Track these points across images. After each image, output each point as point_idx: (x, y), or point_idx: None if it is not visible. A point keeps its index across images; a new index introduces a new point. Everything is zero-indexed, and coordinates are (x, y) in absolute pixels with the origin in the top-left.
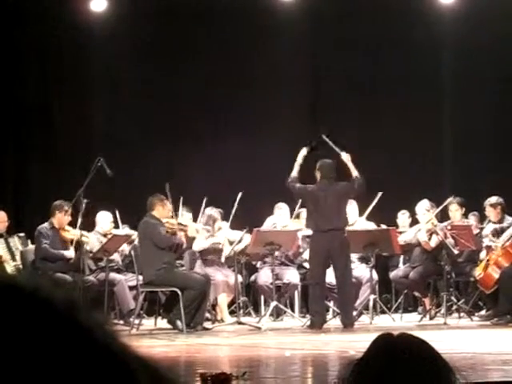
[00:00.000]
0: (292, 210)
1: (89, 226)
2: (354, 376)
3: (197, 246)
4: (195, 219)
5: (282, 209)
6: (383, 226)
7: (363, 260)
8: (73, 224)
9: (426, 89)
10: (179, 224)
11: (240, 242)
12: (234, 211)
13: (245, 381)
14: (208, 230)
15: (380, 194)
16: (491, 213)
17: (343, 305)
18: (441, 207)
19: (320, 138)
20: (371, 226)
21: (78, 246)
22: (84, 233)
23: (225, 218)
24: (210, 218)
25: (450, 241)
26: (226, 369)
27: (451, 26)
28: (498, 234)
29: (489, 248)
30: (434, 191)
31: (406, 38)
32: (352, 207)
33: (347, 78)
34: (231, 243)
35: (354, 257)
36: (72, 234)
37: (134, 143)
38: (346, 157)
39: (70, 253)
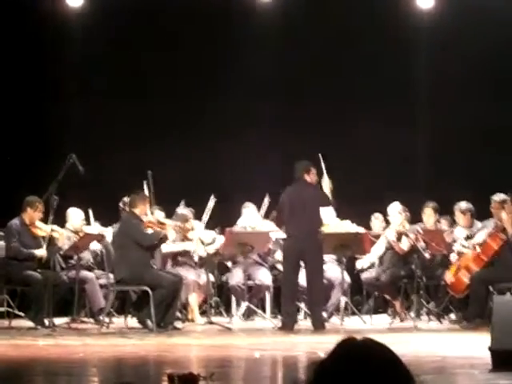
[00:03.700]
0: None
1: (60, 223)
2: (315, 378)
3: (165, 249)
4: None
5: (249, 207)
6: (357, 227)
7: (336, 262)
8: (44, 221)
9: (401, 91)
10: (158, 222)
11: (213, 243)
12: (209, 213)
13: (213, 382)
14: (180, 227)
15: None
16: (460, 218)
17: (314, 306)
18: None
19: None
20: (347, 224)
21: (50, 242)
22: (57, 228)
23: (199, 218)
24: (182, 218)
25: (421, 244)
26: (195, 369)
27: (428, 26)
28: (468, 238)
29: (460, 253)
30: (407, 194)
31: (382, 39)
32: (326, 208)
33: (320, 79)
34: (204, 243)
35: (326, 258)
36: (43, 230)
37: (107, 141)
38: (326, 182)
39: (41, 252)
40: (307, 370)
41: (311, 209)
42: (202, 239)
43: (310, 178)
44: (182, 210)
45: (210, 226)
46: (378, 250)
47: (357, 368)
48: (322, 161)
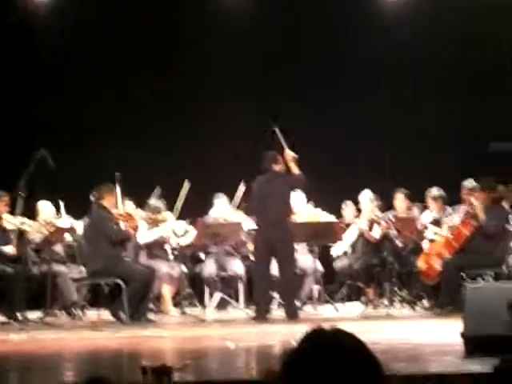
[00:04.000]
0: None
1: (31, 216)
2: (284, 367)
3: (141, 239)
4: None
5: (219, 198)
6: (328, 215)
7: (308, 250)
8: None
9: (370, 78)
10: (126, 214)
11: (184, 235)
12: (181, 204)
13: (186, 373)
14: (150, 218)
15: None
16: (432, 204)
17: (286, 296)
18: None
19: (272, 131)
20: (319, 212)
21: (20, 236)
22: (27, 221)
23: (172, 206)
24: (154, 210)
25: (393, 232)
26: (169, 360)
27: (395, 23)
28: (436, 223)
29: (431, 240)
30: (377, 181)
31: (355, 25)
32: (299, 196)
33: (293, 69)
34: (177, 235)
35: (299, 247)
36: (12, 223)
37: (79, 134)
38: (289, 156)
39: (10, 249)
40: (278, 360)
41: (280, 198)
42: (175, 231)
43: (278, 167)
44: (154, 201)
45: (182, 216)
46: (349, 237)
47: (324, 358)
48: (280, 135)
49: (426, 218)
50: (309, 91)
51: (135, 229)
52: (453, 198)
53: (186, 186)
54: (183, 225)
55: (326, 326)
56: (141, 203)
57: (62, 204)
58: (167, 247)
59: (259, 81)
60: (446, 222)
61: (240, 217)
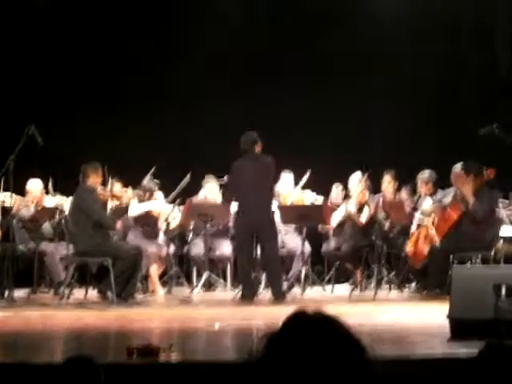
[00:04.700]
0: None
1: (21, 194)
2: (267, 350)
3: (132, 212)
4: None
5: (209, 182)
6: (317, 196)
7: (296, 232)
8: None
9: (359, 65)
10: (112, 193)
11: (170, 214)
12: (176, 193)
13: (172, 353)
14: (139, 195)
15: (309, 171)
16: (423, 187)
17: (272, 278)
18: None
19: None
20: (308, 194)
21: (4, 213)
22: (14, 196)
23: (162, 190)
24: (146, 190)
25: (381, 214)
26: (155, 340)
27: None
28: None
29: (419, 224)
30: (368, 163)
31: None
32: (287, 177)
33: (283, 55)
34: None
35: (286, 228)
36: None
37: (69, 111)
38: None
39: None
40: (259, 342)
41: (264, 181)
42: (163, 212)
43: (258, 149)
44: (147, 181)
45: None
46: (337, 216)
47: (307, 340)
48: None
49: (426, 204)
50: (297, 74)
51: (123, 205)
52: (444, 181)
53: (187, 178)
54: (173, 209)
55: (310, 308)
56: (132, 183)
57: (50, 182)
58: (160, 227)
59: (243, 67)
60: (436, 206)
61: None
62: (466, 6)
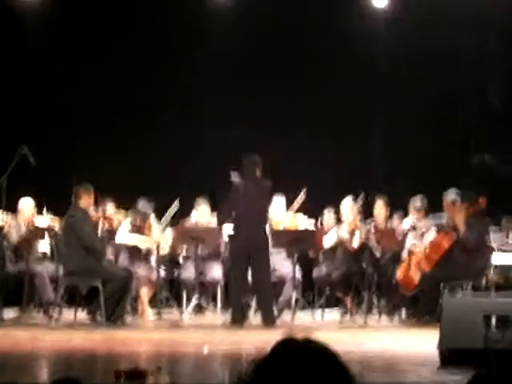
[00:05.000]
0: (212, 206)
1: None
2: (255, 375)
3: (119, 239)
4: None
5: (201, 205)
6: (309, 220)
7: (287, 257)
8: None
9: (358, 86)
10: (104, 216)
11: (162, 240)
12: (170, 218)
13: (160, 376)
14: (135, 225)
15: (304, 190)
16: (415, 214)
17: (263, 303)
18: (360, 201)
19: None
20: (301, 219)
21: None
22: (6, 216)
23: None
24: (143, 215)
25: (372, 243)
26: (144, 363)
27: (383, 25)
28: (414, 229)
29: (411, 251)
30: (361, 188)
31: (338, 38)
32: (279, 200)
33: (276, 78)
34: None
35: (277, 254)
36: None
37: (60, 132)
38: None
39: None
40: (248, 367)
41: (262, 205)
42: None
43: (259, 172)
44: (142, 205)
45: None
46: (329, 241)
47: (295, 367)
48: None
49: (405, 224)
50: (296, 95)
51: (114, 228)
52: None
53: (176, 205)
54: (166, 236)
55: (298, 334)
56: (124, 204)
57: (43, 201)
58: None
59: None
60: (426, 236)
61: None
62: (464, 39)
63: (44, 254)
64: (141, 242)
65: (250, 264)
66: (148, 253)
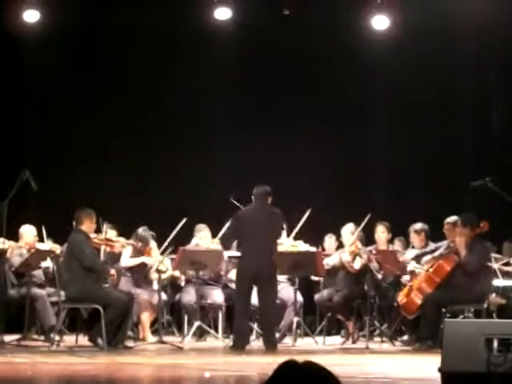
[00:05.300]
0: (213, 231)
1: (13, 240)
2: None
3: (124, 263)
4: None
5: (202, 231)
6: (309, 247)
7: (290, 281)
8: None
9: (359, 112)
10: (106, 239)
11: (161, 263)
12: (170, 238)
13: None
14: (136, 248)
15: (308, 211)
16: (415, 239)
17: (266, 327)
18: (361, 226)
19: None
20: (300, 244)
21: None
22: (7, 242)
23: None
24: (141, 240)
25: (374, 265)
26: None
27: (384, 47)
28: (418, 258)
29: (412, 273)
30: (361, 215)
31: (339, 61)
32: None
33: (279, 104)
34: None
35: (280, 278)
36: None
37: (62, 157)
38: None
39: None
40: None
41: (273, 234)
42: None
43: (270, 201)
44: (143, 231)
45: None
46: (331, 261)
47: None
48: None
49: (410, 254)
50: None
51: (115, 251)
52: (436, 236)
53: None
54: (164, 258)
55: (299, 358)
56: (125, 231)
57: (43, 228)
58: (153, 277)
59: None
60: (428, 258)
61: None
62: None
63: (45, 277)
64: (146, 259)
65: (256, 288)
66: (148, 275)
